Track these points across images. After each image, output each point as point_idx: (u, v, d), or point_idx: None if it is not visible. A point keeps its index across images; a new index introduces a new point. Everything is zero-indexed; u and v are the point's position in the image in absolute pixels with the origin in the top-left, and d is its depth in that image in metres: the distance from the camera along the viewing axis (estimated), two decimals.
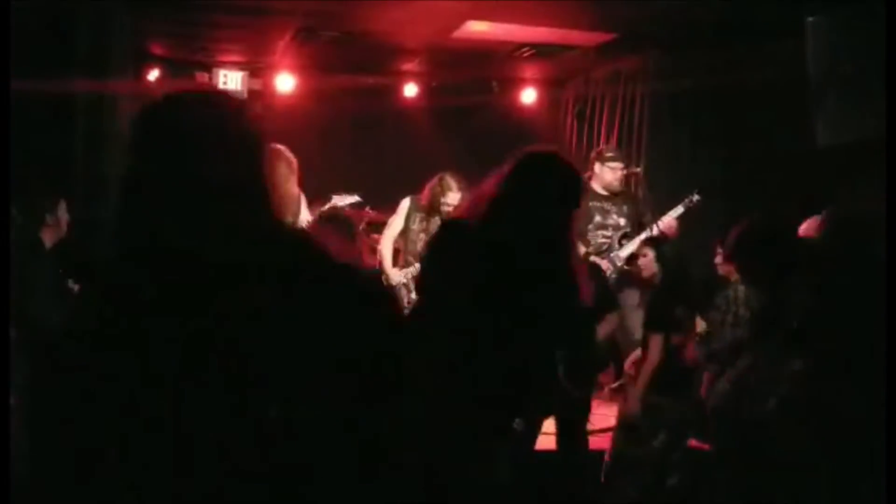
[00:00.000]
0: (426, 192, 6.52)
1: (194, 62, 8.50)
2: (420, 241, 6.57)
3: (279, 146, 5.90)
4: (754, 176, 6.85)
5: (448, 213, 6.46)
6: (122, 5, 6.42)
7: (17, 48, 4.62)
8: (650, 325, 4.81)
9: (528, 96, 9.54)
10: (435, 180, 6.48)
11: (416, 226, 6.60)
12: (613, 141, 8.06)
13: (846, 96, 5.68)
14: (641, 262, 5.35)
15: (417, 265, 6.52)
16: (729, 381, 5.08)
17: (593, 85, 8.93)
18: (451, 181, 6.42)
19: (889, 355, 2.95)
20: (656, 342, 4.72)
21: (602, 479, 4.69)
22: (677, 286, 4.96)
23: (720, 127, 7.28)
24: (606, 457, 4.73)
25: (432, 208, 6.49)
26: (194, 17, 7.11)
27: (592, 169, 6.66)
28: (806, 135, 6.00)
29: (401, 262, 6.63)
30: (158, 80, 8.35)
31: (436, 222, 6.53)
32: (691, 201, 6.27)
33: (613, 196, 6.53)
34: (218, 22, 7.29)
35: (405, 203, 6.65)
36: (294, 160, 5.87)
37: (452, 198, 6.43)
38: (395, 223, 6.64)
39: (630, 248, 6.35)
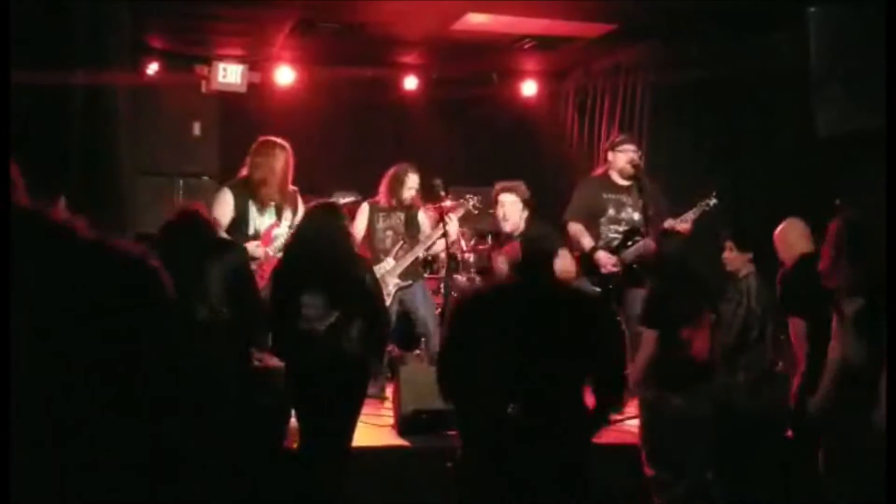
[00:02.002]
0: (384, 184, 6.73)
1: (193, 55, 8.48)
2: (388, 239, 6.72)
3: (277, 139, 5.90)
4: (755, 167, 6.83)
5: (409, 199, 6.61)
6: None
7: (14, 41, 4.59)
8: (643, 321, 4.77)
9: (529, 88, 9.51)
10: (392, 170, 6.72)
11: (380, 224, 6.78)
12: (615, 132, 8.04)
13: (848, 87, 5.66)
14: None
15: (390, 260, 6.59)
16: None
17: (594, 77, 8.90)
18: (407, 168, 6.70)
19: (889, 355, 2.93)
20: (649, 337, 4.67)
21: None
22: (682, 280, 4.92)
23: (721, 118, 7.26)
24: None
25: (392, 200, 6.69)
26: (193, 9, 7.09)
27: (607, 160, 6.65)
28: (807, 125, 5.98)
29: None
30: (157, 73, 8.33)
31: (399, 217, 6.67)
32: (708, 205, 6.18)
33: (629, 188, 6.46)
34: (217, 14, 7.27)
35: (364, 207, 6.83)
36: (290, 154, 5.90)
37: (411, 182, 6.66)
38: (357, 228, 6.65)
39: (639, 246, 6.28)
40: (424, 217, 6.84)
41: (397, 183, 6.66)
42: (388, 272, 6.57)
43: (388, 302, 6.52)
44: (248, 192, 5.80)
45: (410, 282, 6.68)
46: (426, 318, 6.71)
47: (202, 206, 4.83)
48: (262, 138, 5.94)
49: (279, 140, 5.88)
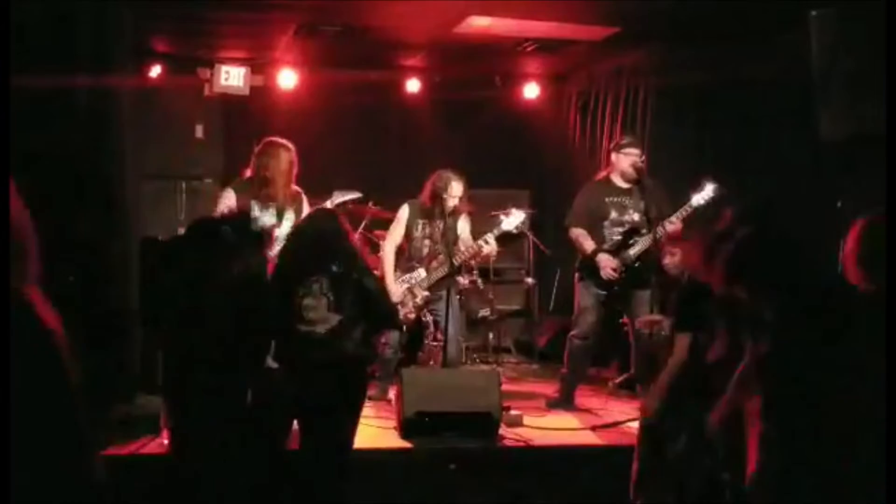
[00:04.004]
0: (427, 190, 6.50)
1: (196, 58, 8.50)
2: (425, 248, 6.54)
3: (281, 139, 5.90)
4: (758, 170, 6.83)
5: (451, 209, 6.46)
6: (123, 1, 6.42)
7: (18, 45, 4.61)
8: (677, 325, 4.62)
9: (531, 91, 9.53)
10: (435, 177, 6.47)
11: (419, 232, 6.56)
12: (618, 135, 8.05)
13: (850, 90, 5.66)
14: (669, 260, 5.26)
15: (421, 271, 6.50)
16: None
17: (596, 79, 8.91)
18: (451, 177, 6.41)
19: (889, 356, 2.90)
20: (682, 342, 4.52)
21: (632, 484, 4.57)
22: (704, 284, 4.84)
23: (723, 121, 7.26)
24: (634, 462, 4.61)
25: (435, 208, 6.46)
26: (196, 12, 7.11)
27: (610, 161, 6.65)
28: (809, 128, 5.99)
29: (402, 266, 6.59)
30: (160, 76, 8.35)
31: (438, 227, 6.51)
32: (702, 200, 6.18)
33: (630, 190, 6.46)
34: (220, 17, 7.29)
35: (404, 211, 6.61)
36: (294, 155, 5.88)
37: (455, 191, 6.42)
38: (396, 232, 6.59)
39: (640, 245, 6.29)
40: (466, 224, 6.62)
41: (439, 191, 6.40)
42: (418, 283, 6.48)
43: (412, 313, 6.51)
44: (252, 193, 5.80)
45: (440, 295, 6.47)
46: (451, 331, 6.39)
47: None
48: (266, 139, 5.94)
49: (283, 140, 5.87)
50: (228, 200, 5.78)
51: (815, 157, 6.18)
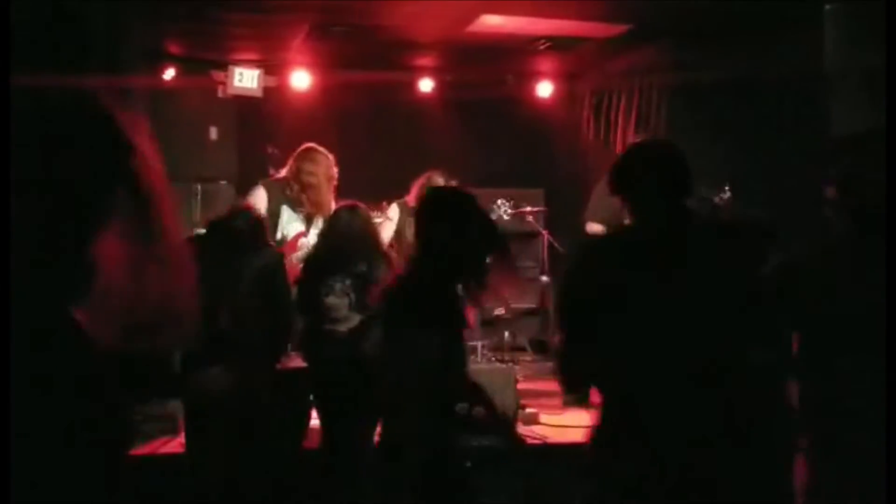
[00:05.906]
0: (414, 191, 6.54)
1: (210, 60, 8.52)
2: None
3: (321, 148, 5.85)
4: (772, 166, 6.80)
5: None
6: (137, 4, 6.44)
7: (31, 47, 4.63)
8: None
9: (544, 90, 9.51)
10: (423, 179, 6.50)
11: (411, 228, 6.58)
12: (630, 133, 8.04)
13: (863, 85, 5.63)
14: None
15: None
16: None
17: (609, 78, 8.89)
18: (438, 179, 6.43)
19: (889, 355, 2.89)
20: None
21: None
22: None
23: (737, 117, 7.23)
24: None
25: None
26: (209, 15, 7.13)
27: None
28: (822, 124, 5.96)
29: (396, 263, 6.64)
30: (174, 78, 8.38)
31: None
32: (721, 199, 6.16)
33: None
34: (233, 20, 7.31)
35: (394, 209, 6.66)
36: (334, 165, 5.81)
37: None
38: (387, 229, 6.59)
39: None
40: None
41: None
42: None
43: None
44: (284, 196, 5.75)
45: None
46: None
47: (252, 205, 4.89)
48: (307, 145, 5.90)
49: (323, 149, 5.84)
50: (259, 198, 5.74)
51: (828, 151, 6.15)
